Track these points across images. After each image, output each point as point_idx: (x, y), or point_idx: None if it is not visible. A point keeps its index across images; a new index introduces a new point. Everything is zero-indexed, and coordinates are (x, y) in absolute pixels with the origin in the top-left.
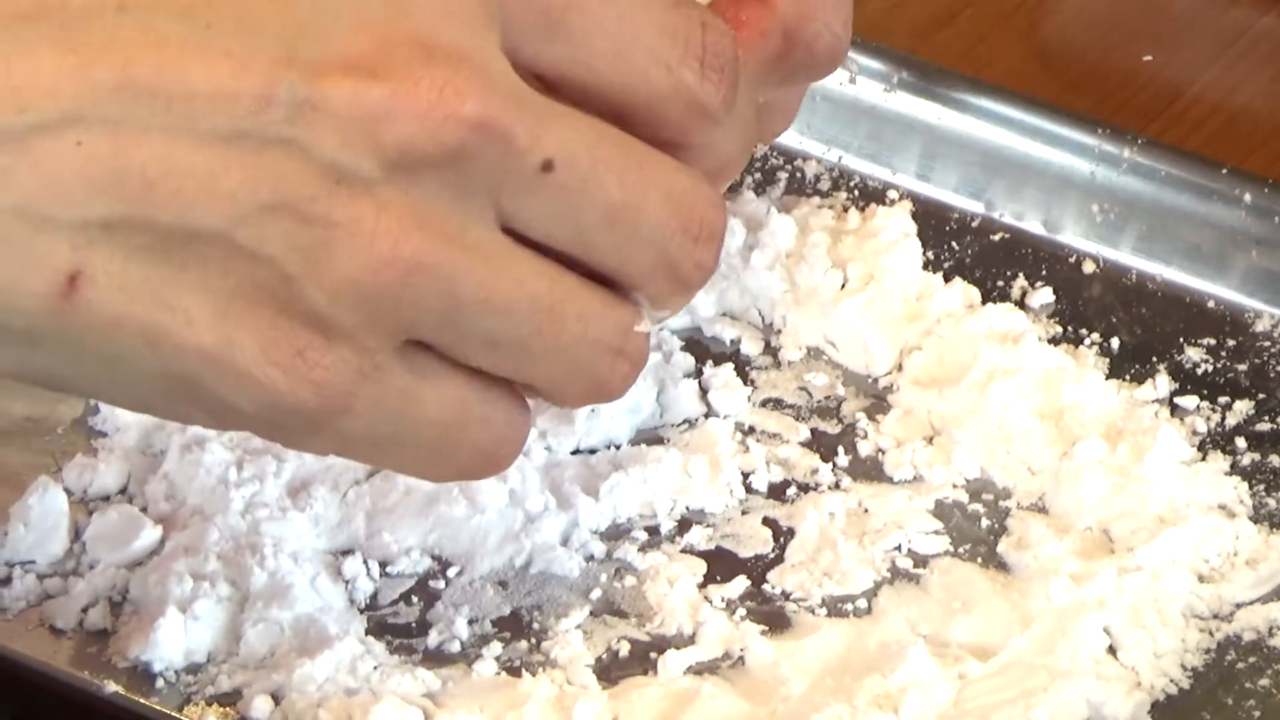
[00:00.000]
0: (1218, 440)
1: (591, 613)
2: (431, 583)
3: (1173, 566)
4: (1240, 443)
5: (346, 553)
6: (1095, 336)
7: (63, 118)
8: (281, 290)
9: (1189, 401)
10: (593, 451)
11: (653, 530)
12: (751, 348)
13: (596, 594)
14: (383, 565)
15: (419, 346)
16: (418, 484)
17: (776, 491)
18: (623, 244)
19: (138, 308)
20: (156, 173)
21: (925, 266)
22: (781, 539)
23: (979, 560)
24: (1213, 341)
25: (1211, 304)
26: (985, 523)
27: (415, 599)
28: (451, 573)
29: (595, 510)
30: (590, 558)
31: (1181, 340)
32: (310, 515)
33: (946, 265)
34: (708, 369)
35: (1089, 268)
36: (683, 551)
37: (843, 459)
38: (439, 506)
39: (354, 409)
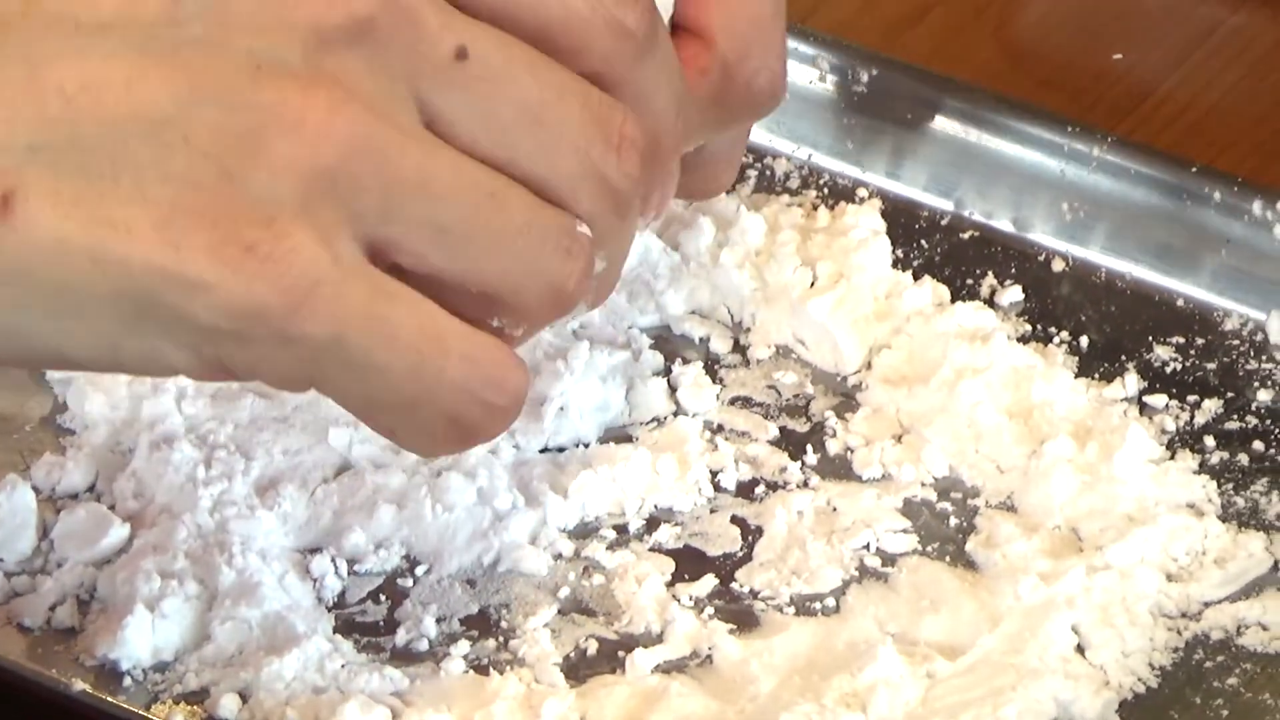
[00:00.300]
0: (1186, 439)
1: (560, 611)
2: (400, 581)
3: (1141, 565)
4: (1209, 441)
5: (314, 551)
6: (1064, 335)
7: None
8: (221, 188)
9: (1158, 400)
10: (561, 450)
11: (621, 529)
12: (720, 346)
13: (565, 592)
14: (351, 563)
15: (385, 270)
16: (386, 481)
17: (745, 490)
18: (545, 147)
19: (76, 225)
20: (74, 88)
21: (895, 265)
22: (750, 537)
23: (947, 559)
24: (1182, 340)
25: (1181, 302)
26: (954, 521)
27: (383, 597)
28: (420, 571)
29: (564, 509)
30: (558, 556)
31: (1150, 339)
32: (279, 513)
33: (916, 263)
34: (676, 367)
35: (1058, 266)
36: (651, 550)
37: (811, 457)
38: (408, 505)
39: (316, 308)
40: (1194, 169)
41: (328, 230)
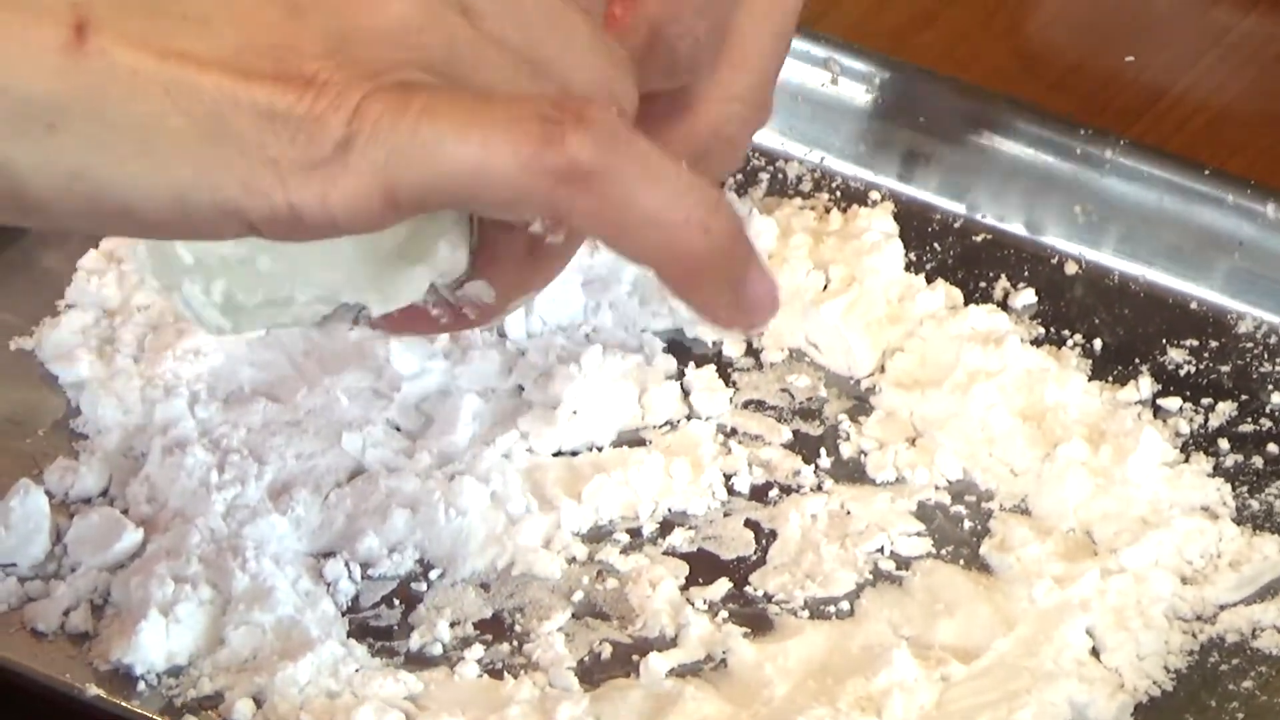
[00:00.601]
0: (1200, 442)
1: (573, 615)
2: (413, 585)
3: (1156, 568)
4: (1223, 444)
5: (328, 555)
6: (1078, 338)
7: None
8: (289, 27)
9: (1172, 403)
10: (574, 454)
11: (635, 532)
12: (733, 349)
13: (578, 596)
14: (364, 568)
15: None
16: (399, 485)
17: (759, 493)
18: (564, 48)
19: (149, 56)
20: None
21: (907, 268)
22: (764, 541)
23: (961, 562)
24: (1195, 343)
25: (1194, 305)
26: (968, 524)
27: (397, 601)
28: (433, 575)
29: (577, 512)
30: (572, 560)
31: (1164, 341)
32: (292, 518)
33: (929, 266)
34: (690, 371)
35: (1071, 269)
36: (665, 554)
37: (825, 461)
38: (421, 509)
39: (363, 126)
40: (1206, 171)
41: (377, 69)
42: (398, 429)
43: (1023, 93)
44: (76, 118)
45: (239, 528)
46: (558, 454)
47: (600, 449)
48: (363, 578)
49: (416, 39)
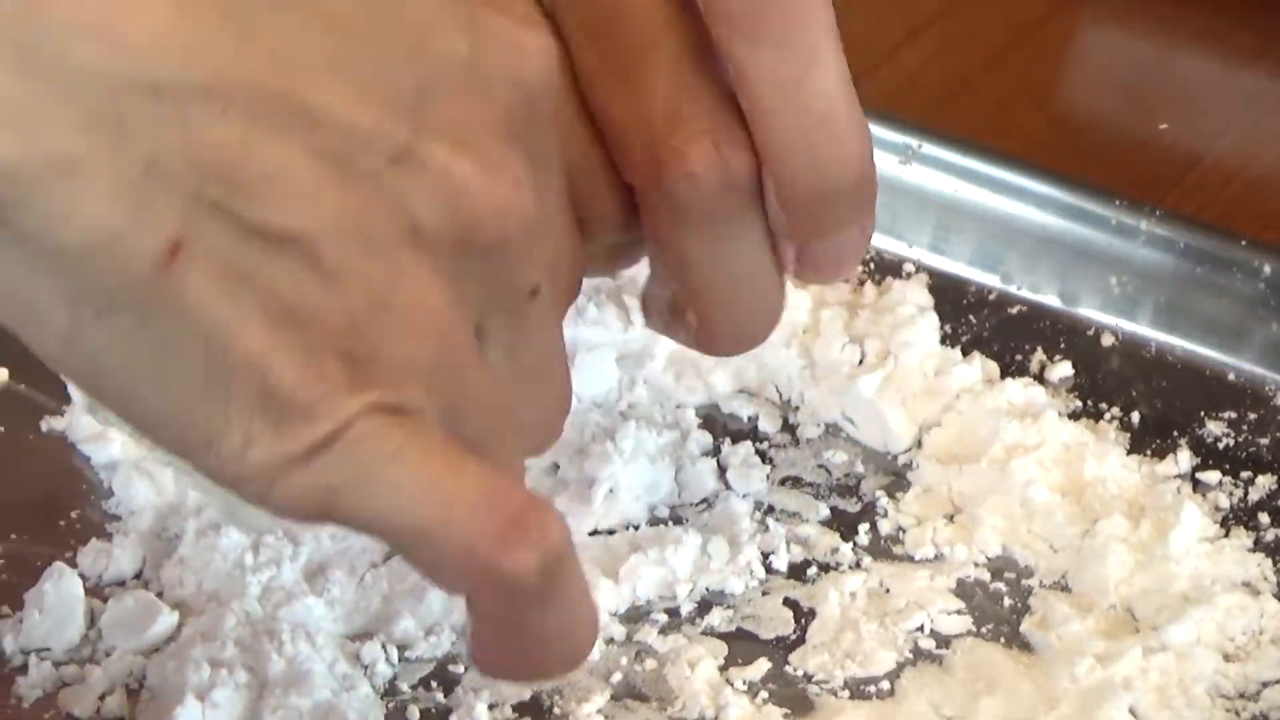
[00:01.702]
0: (1240, 516)
1: (612, 696)
2: (451, 667)
3: (1198, 645)
4: (1263, 518)
5: (364, 637)
6: (1115, 410)
7: (216, 90)
8: (330, 321)
9: (1211, 476)
10: (610, 532)
11: (672, 612)
12: (769, 425)
13: (617, 677)
14: (401, 649)
15: None
16: None
17: (797, 571)
18: (543, 394)
19: (213, 297)
20: (273, 169)
21: (943, 341)
22: (803, 620)
23: (1002, 640)
24: (1234, 415)
25: (1232, 376)
26: (1008, 602)
27: (435, 684)
28: None
29: (614, 592)
30: (610, 640)
31: (1202, 414)
32: (327, 599)
33: (964, 339)
34: (725, 447)
35: (1108, 341)
36: (703, 633)
37: (863, 538)
38: None
39: (343, 439)
40: (1243, 242)
41: (382, 380)
42: None
43: (1057, 162)
44: (122, 317)
45: (274, 610)
46: (594, 533)
47: (636, 527)
48: (400, 660)
49: (427, 372)
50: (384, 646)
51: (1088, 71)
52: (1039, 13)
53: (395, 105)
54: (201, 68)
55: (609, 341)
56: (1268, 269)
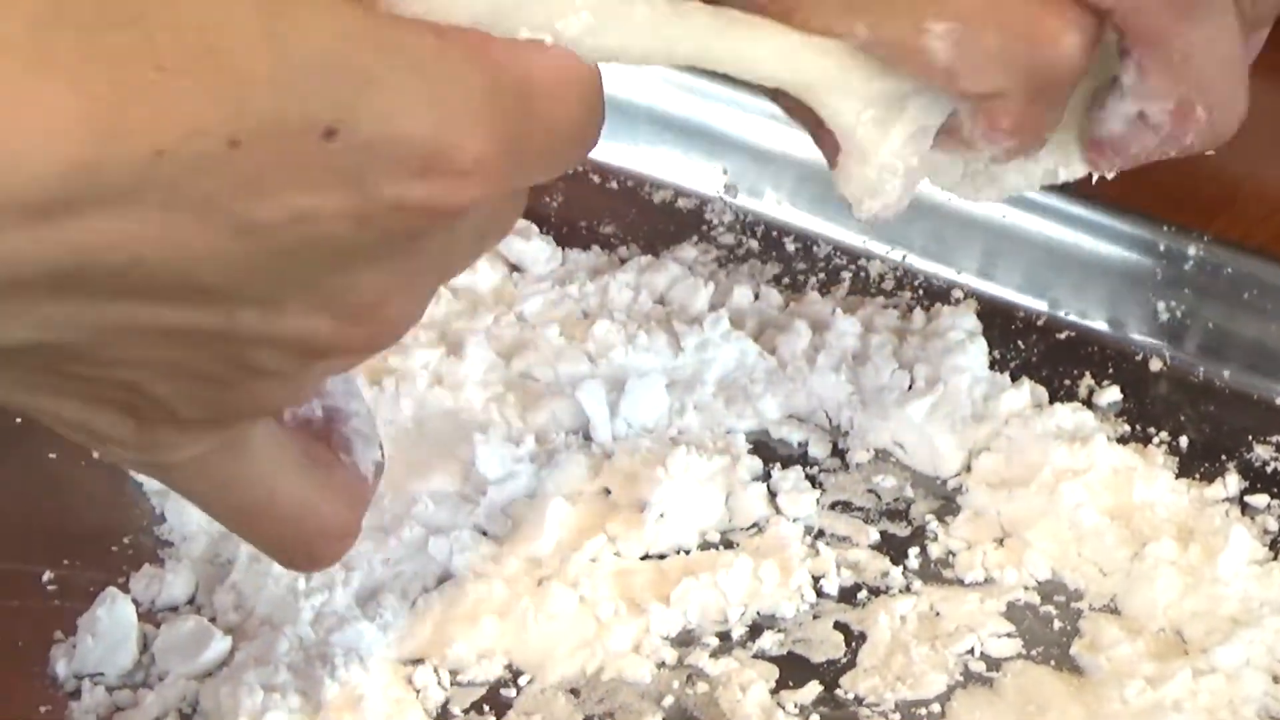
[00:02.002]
0: None
1: (665, 719)
2: (503, 691)
3: (1247, 668)
4: None
5: (417, 662)
6: (1164, 435)
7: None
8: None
9: (1259, 500)
10: (662, 557)
11: (724, 636)
12: (819, 450)
13: (669, 701)
14: (453, 674)
15: None
16: (488, 591)
17: (847, 595)
18: None
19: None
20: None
21: (991, 366)
22: (853, 643)
23: (1052, 663)
24: None
25: (1279, 400)
26: (1058, 625)
27: (487, 708)
28: (523, 681)
29: (666, 616)
30: (662, 664)
31: (1250, 438)
32: (380, 624)
33: (1013, 364)
34: (775, 472)
35: (1156, 366)
36: (754, 657)
37: (913, 562)
38: (510, 614)
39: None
40: None
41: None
42: (484, 533)
43: (1104, 189)
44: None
45: (327, 635)
46: (645, 557)
47: (688, 552)
48: (452, 684)
49: None
50: (436, 670)
51: None
52: None
53: None
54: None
55: (659, 368)
56: None
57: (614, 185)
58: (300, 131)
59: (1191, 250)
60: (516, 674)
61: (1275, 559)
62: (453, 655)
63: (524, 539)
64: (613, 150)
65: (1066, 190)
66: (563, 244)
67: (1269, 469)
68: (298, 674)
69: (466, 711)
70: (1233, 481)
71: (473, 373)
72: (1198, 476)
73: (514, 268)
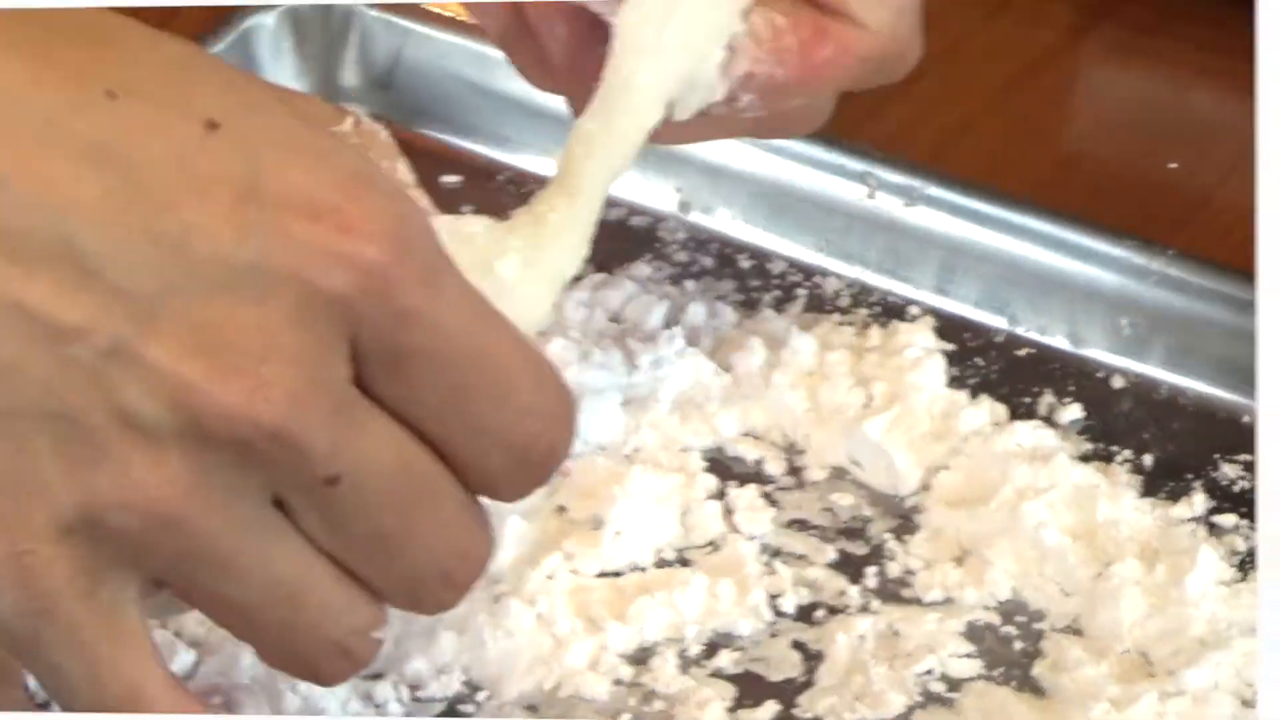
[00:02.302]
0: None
1: None
2: (461, 707)
3: (1216, 690)
4: None
5: (376, 677)
6: (1127, 453)
7: None
8: (29, 488)
9: (1227, 520)
10: (619, 574)
11: (681, 654)
12: (775, 468)
13: (625, 718)
14: (412, 689)
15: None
16: None
17: (805, 614)
18: (381, 567)
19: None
20: None
21: (950, 383)
22: (811, 662)
23: (1014, 684)
24: (1249, 457)
25: (1246, 418)
26: (1019, 645)
27: None
28: (480, 697)
29: (623, 634)
30: (619, 682)
31: (1216, 456)
32: None
33: (971, 382)
34: (732, 489)
35: (1118, 383)
36: (711, 675)
37: (871, 580)
38: (468, 630)
39: (56, 616)
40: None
41: (99, 564)
42: None
43: (1064, 201)
44: None
45: None
46: (602, 575)
47: (644, 569)
48: (411, 699)
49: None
50: (395, 686)
51: (1094, 111)
52: (1043, 51)
53: (119, 301)
54: None
55: (614, 385)
56: None
57: None
58: None
59: (1155, 265)
60: (475, 690)
61: (1244, 580)
62: (410, 671)
63: None
64: None
65: (1025, 205)
66: None
67: (1236, 488)
68: (261, 688)
69: None
70: (1199, 500)
71: None
72: (1163, 495)
73: None
